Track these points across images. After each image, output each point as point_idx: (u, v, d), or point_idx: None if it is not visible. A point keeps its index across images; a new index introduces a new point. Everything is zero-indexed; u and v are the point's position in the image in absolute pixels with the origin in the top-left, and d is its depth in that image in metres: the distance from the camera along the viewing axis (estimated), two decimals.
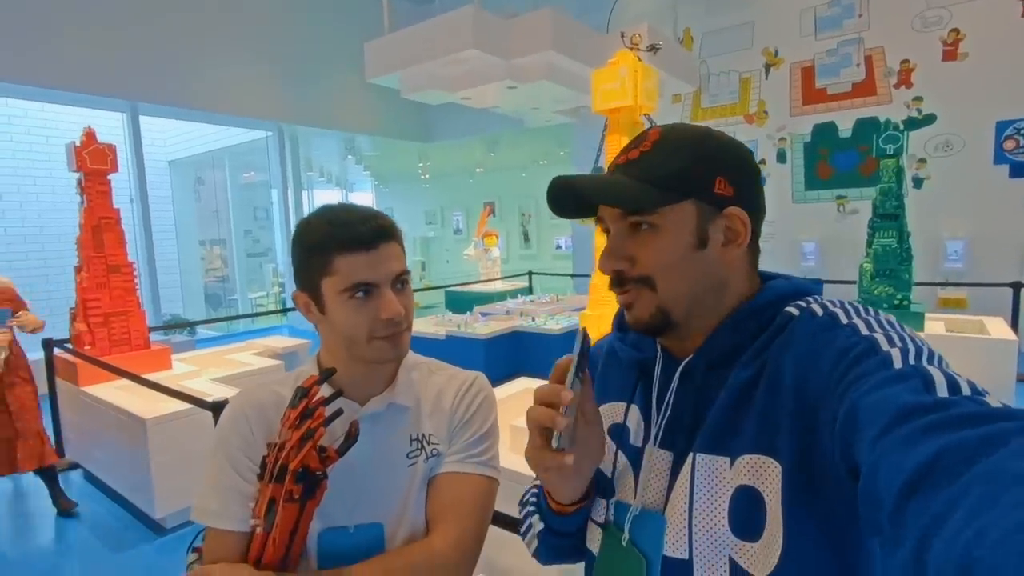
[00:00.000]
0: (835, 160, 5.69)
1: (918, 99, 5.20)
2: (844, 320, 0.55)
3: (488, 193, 10.84)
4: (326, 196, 11.79)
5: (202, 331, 8.06)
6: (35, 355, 3.45)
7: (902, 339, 0.49)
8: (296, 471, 0.67)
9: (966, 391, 0.41)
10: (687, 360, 0.63)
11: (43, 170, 7.42)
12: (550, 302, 6.19)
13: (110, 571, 2.61)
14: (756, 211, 0.62)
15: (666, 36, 4.70)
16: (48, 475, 3.10)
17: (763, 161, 6.05)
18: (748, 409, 0.57)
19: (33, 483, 3.27)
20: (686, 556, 0.58)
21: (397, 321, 0.79)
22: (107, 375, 3.29)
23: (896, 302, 3.65)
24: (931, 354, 0.47)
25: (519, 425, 2.33)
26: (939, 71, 5.08)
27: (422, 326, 5.33)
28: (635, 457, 0.66)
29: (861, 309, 0.56)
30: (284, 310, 7.63)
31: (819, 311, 0.57)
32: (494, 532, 1.10)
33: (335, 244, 0.76)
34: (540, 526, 0.73)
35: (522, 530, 0.77)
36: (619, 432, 0.69)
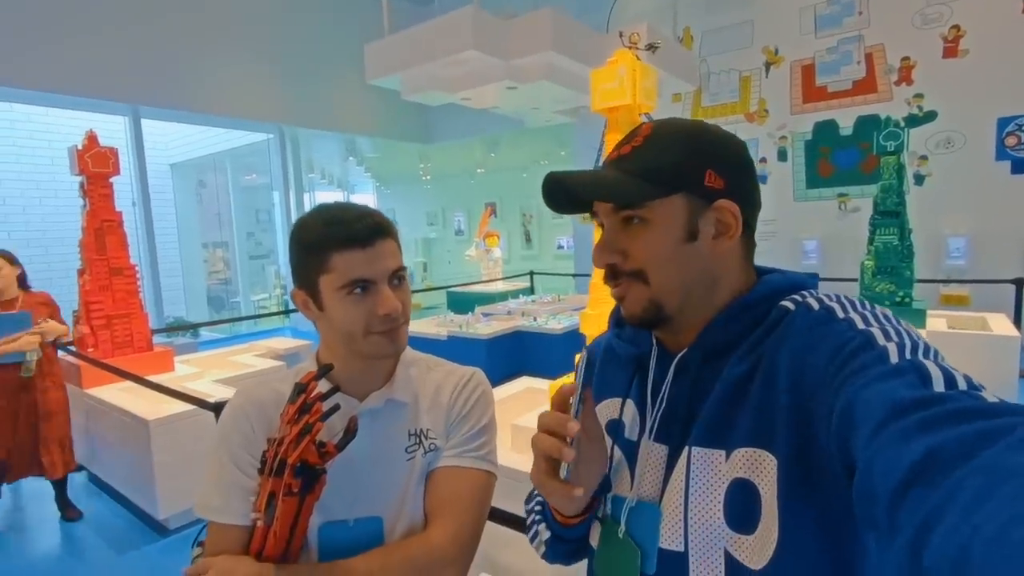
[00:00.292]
0: (836, 158, 5.68)
1: (919, 96, 5.19)
2: (840, 314, 0.54)
3: (489, 193, 10.84)
4: (327, 198, 11.72)
5: (205, 333, 8.08)
6: None
7: (898, 333, 0.49)
8: (294, 466, 0.68)
9: (962, 386, 0.41)
10: (682, 354, 0.64)
11: (46, 174, 7.45)
12: (552, 302, 6.19)
13: (114, 572, 2.62)
14: (749, 204, 0.62)
15: (666, 35, 4.70)
16: (60, 482, 3.08)
17: (764, 160, 6.04)
18: (743, 403, 0.57)
19: (36, 485, 3.27)
20: (682, 548, 0.59)
21: (394, 317, 0.80)
22: (110, 377, 3.31)
23: (898, 299, 3.65)
24: (927, 349, 0.47)
25: (520, 424, 2.33)
26: (940, 68, 5.07)
27: (424, 327, 5.33)
28: (631, 451, 0.67)
29: (857, 303, 0.56)
30: (286, 312, 7.64)
31: (815, 305, 0.57)
32: (495, 529, 1.10)
33: (332, 242, 0.77)
34: (547, 534, 0.74)
35: (529, 536, 0.78)
36: (615, 427, 0.69)
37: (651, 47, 3.39)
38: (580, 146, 7.44)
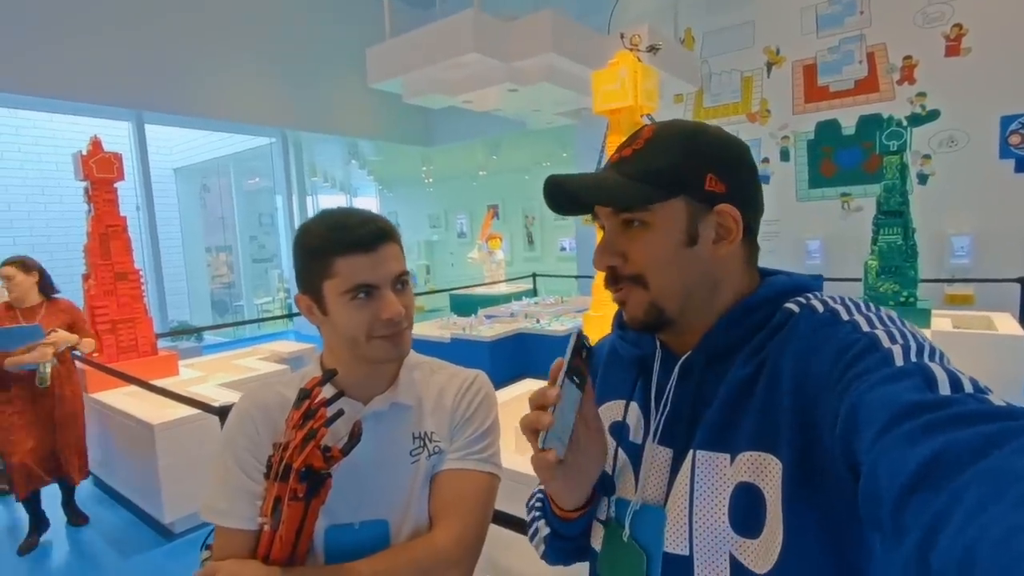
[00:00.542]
0: (839, 158, 5.66)
1: (921, 95, 5.18)
2: (845, 316, 0.54)
3: (491, 196, 10.85)
4: (330, 201, 11.85)
5: (209, 337, 8.10)
6: None
7: (903, 336, 0.49)
8: (300, 470, 0.68)
9: (968, 389, 0.40)
10: (685, 356, 0.63)
11: (51, 180, 7.50)
12: (555, 304, 6.19)
13: None
14: (750, 207, 0.61)
15: (667, 36, 4.70)
16: (71, 488, 3.09)
17: (766, 160, 6.03)
18: (748, 406, 0.56)
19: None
20: (686, 552, 0.58)
21: (397, 321, 0.80)
22: (115, 381, 3.32)
23: (902, 299, 3.63)
24: (933, 351, 0.47)
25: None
26: (942, 67, 5.05)
27: (427, 329, 5.34)
28: (635, 454, 0.67)
29: (862, 305, 0.56)
30: (290, 315, 7.66)
31: (820, 307, 0.57)
32: (497, 532, 1.10)
33: (335, 247, 0.78)
34: (546, 531, 0.73)
35: (529, 533, 0.77)
36: (619, 429, 0.69)
37: (652, 48, 3.40)
38: (582, 147, 7.44)
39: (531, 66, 4.30)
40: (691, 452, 0.59)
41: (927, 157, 5.19)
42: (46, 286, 2.94)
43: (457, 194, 11.56)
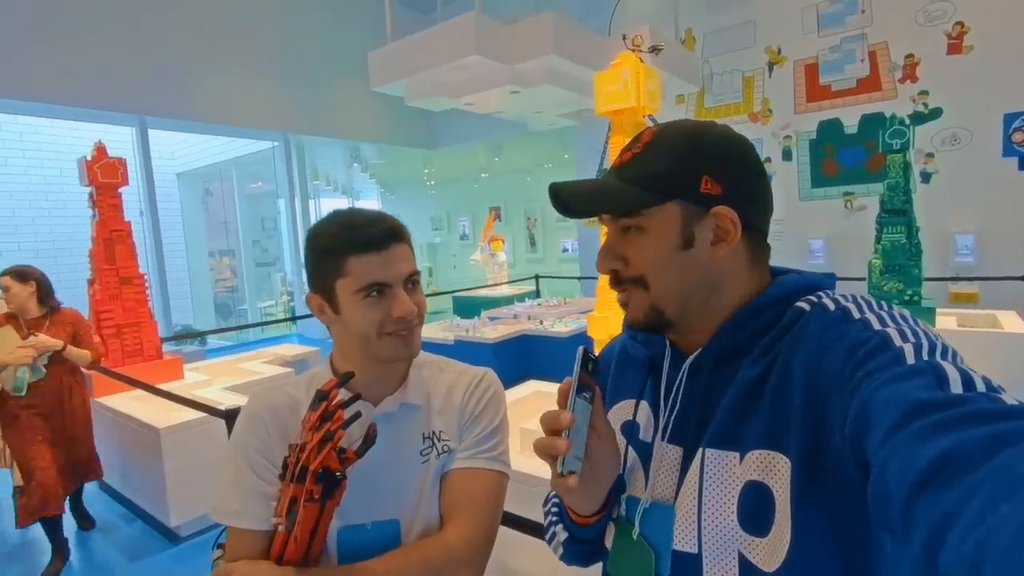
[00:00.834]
0: (841, 157, 5.66)
1: (924, 93, 5.17)
2: (856, 315, 0.54)
3: (493, 198, 10.87)
4: (333, 204, 11.87)
5: (212, 341, 8.12)
6: None
7: (915, 334, 0.48)
8: (316, 472, 0.69)
9: (981, 388, 0.40)
10: (694, 356, 0.64)
11: (55, 185, 7.53)
12: (558, 305, 6.19)
13: None
14: (753, 207, 0.61)
15: (667, 37, 4.70)
16: (78, 493, 3.05)
17: (768, 159, 6.03)
18: (758, 405, 0.56)
19: None
20: (695, 550, 0.59)
21: (409, 319, 0.81)
22: (120, 386, 3.33)
23: (906, 298, 3.62)
24: (945, 349, 0.47)
25: (529, 428, 2.33)
26: (944, 65, 5.05)
27: (431, 331, 5.34)
28: (645, 452, 0.67)
29: (874, 304, 0.55)
30: (293, 318, 7.67)
31: (831, 306, 0.57)
32: (503, 532, 1.10)
33: (348, 246, 0.78)
34: (564, 535, 0.74)
35: (547, 536, 0.78)
36: (630, 428, 0.69)
37: (654, 49, 3.40)
38: (584, 149, 7.44)
39: (533, 68, 4.31)
40: (700, 450, 0.59)
41: (930, 155, 5.18)
42: (45, 296, 2.77)
43: (459, 196, 11.57)
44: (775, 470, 0.54)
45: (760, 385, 0.57)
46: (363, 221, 0.80)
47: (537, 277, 8.05)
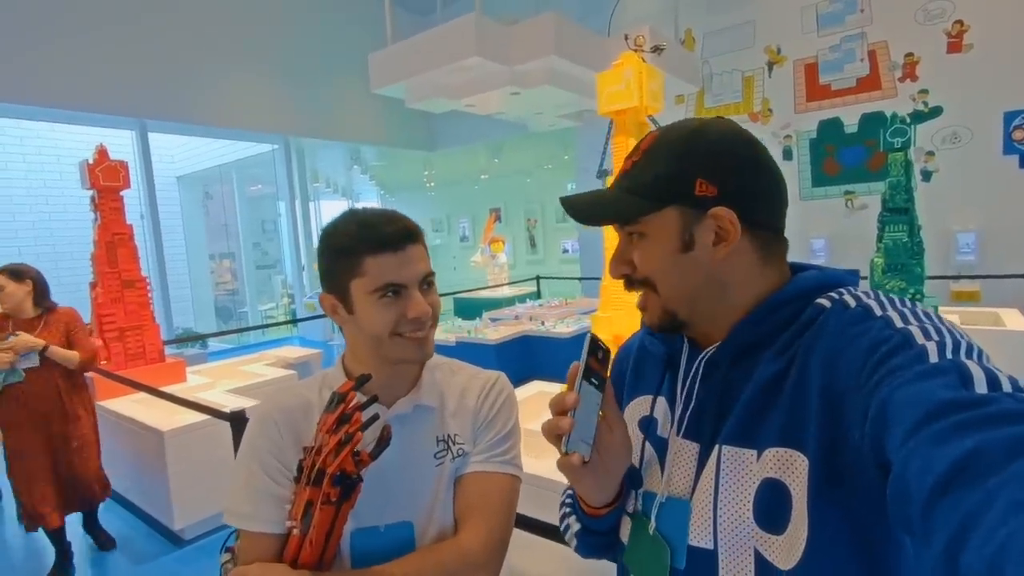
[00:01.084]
0: (842, 156, 5.66)
1: (923, 92, 5.17)
2: (878, 312, 0.53)
3: (493, 199, 10.87)
4: (332, 207, 11.89)
5: (213, 344, 8.12)
6: None
7: (939, 332, 0.47)
8: (334, 475, 0.69)
9: (1007, 387, 0.39)
10: (710, 352, 0.64)
11: (55, 189, 7.54)
12: (559, 306, 6.19)
13: None
14: (756, 204, 0.60)
15: (667, 37, 4.71)
16: (91, 514, 2.90)
17: None
18: (776, 402, 0.56)
19: None
20: (711, 546, 0.59)
21: (424, 320, 0.81)
22: (124, 389, 3.33)
23: (909, 296, 3.62)
24: (971, 348, 0.45)
25: (533, 428, 2.33)
26: (944, 63, 5.05)
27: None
28: (662, 448, 0.67)
29: (896, 301, 0.54)
30: (294, 321, 7.67)
31: (852, 303, 0.56)
32: (513, 534, 1.10)
33: (364, 246, 0.78)
34: (577, 526, 0.74)
35: (562, 528, 0.79)
36: (647, 424, 0.70)
37: (657, 49, 3.40)
38: (583, 149, 7.45)
39: (533, 69, 4.31)
40: (717, 447, 0.60)
41: (930, 154, 5.18)
42: (41, 296, 2.64)
43: (459, 198, 11.57)
44: (792, 468, 0.54)
45: (778, 382, 0.57)
46: (380, 220, 0.80)
47: (538, 278, 8.05)
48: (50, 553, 2.74)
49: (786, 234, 0.65)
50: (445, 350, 4.87)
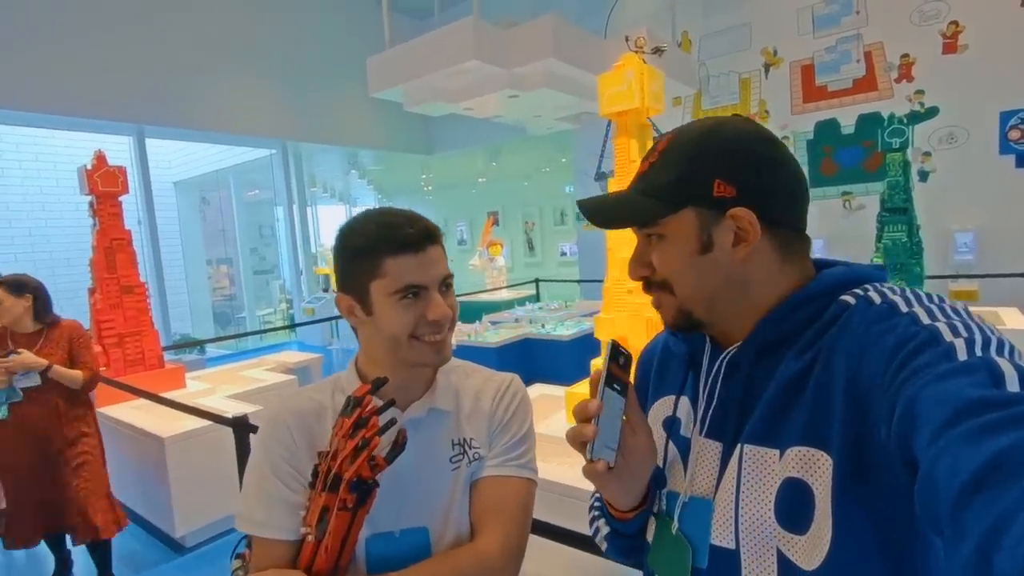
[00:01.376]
0: (839, 156, 5.68)
1: (920, 92, 5.20)
2: (904, 308, 0.52)
3: (491, 203, 10.87)
4: (330, 212, 11.87)
5: (211, 349, 8.09)
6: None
7: (968, 328, 0.46)
8: (351, 480, 0.67)
9: None
10: (732, 351, 0.63)
11: (52, 196, 7.50)
12: (559, 308, 6.19)
13: None
14: (773, 202, 0.60)
15: (664, 39, 4.72)
16: (105, 544, 2.59)
17: None
18: (799, 401, 0.56)
19: None
20: (733, 546, 0.58)
21: (443, 323, 0.80)
22: (123, 395, 3.31)
23: None
24: (1001, 344, 0.44)
25: (538, 432, 2.32)
26: (940, 64, 5.08)
27: None
28: (685, 448, 0.67)
29: (924, 297, 0.53)
30: (293, 326, 7.64)
31: (877, 299, 0.55)
32: None
33: (384, 247, 0.77)
34: (606, 529, 0.75)
35: (591, 530, 0.79)
36: (671, 424, 0.69)
37: (657, 50, 3.41)
38: (581, 152, 7.46)
39: (531, 72, 4.31)
40: (739, 446, 0.59)
41: (927, 154, 5.20)
42: (42, 311, 2.47)
43: (457, 202, 11.58)
44: (816, 467, 0.53)
45: (802, 381, 0.56)
46: (400, 221, 0.78)
47: (537, 281, 8.05)
48: (50, 561, 2.71)
49: None
50: None
